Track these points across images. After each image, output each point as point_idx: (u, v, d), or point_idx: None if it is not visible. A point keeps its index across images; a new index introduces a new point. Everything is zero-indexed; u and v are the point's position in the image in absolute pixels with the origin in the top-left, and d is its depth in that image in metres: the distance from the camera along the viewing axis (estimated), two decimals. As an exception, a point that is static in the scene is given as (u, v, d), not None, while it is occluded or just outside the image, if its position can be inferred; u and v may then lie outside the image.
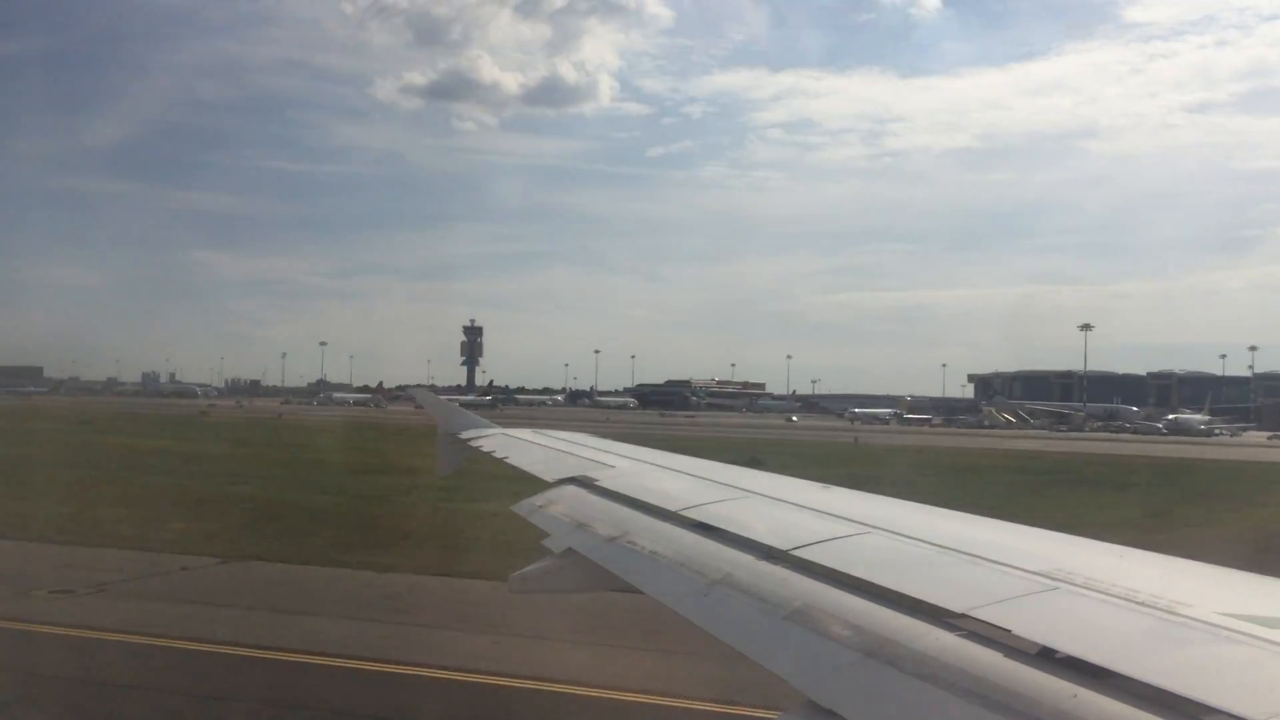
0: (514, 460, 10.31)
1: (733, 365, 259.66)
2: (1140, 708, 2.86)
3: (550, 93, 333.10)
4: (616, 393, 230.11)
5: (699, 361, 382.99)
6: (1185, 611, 3.40)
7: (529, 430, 14.06)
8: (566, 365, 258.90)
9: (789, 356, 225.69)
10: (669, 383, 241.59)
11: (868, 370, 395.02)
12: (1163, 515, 35.44)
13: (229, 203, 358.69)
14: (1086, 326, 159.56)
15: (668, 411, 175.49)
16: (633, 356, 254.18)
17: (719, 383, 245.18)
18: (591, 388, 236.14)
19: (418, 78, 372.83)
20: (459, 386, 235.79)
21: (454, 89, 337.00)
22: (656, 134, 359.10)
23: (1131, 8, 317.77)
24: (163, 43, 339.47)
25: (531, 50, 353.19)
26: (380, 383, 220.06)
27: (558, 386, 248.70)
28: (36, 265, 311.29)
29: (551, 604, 20.17)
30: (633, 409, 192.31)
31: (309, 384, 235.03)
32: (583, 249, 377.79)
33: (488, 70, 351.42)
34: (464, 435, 13.30)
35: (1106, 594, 3.68)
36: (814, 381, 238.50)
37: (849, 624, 3.90)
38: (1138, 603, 3.56)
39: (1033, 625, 3.46)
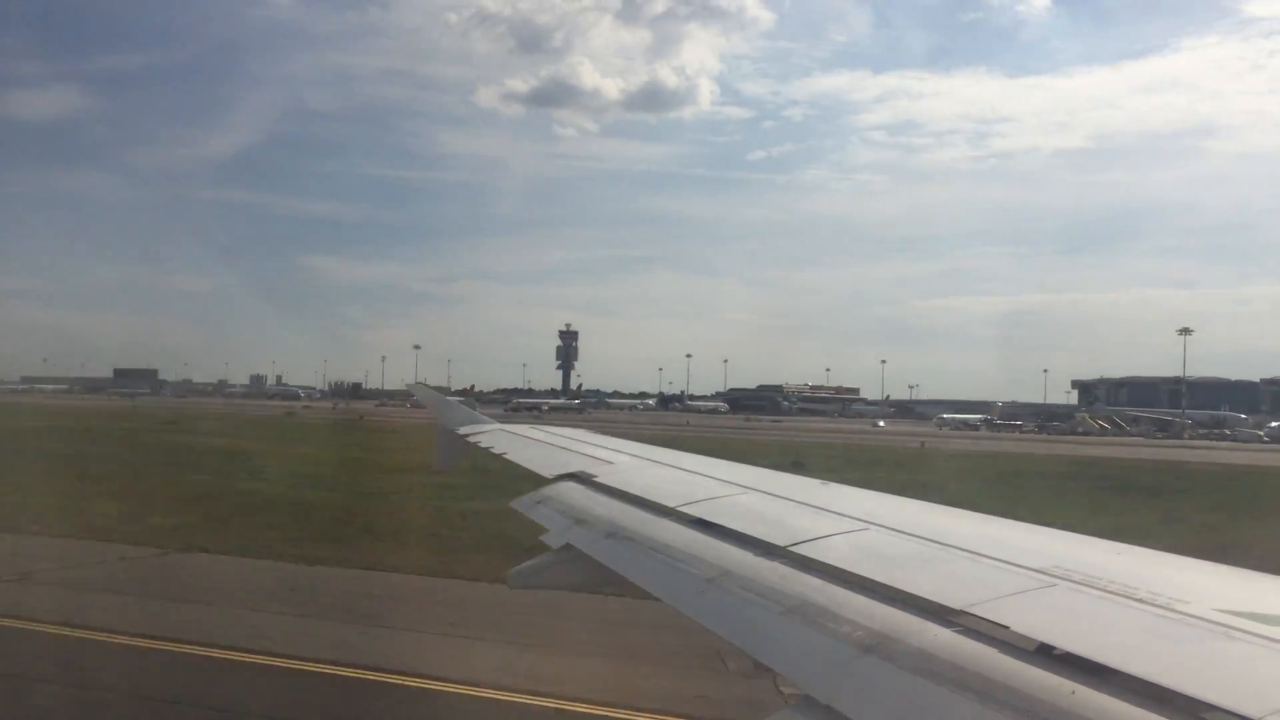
0: (512, 456, 10.23)
1: (827, 370, 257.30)
2: (1138, 704, 2.84)
3: (650, 98, 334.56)
4: (708, 397, 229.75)
5: (794, 366, 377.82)
6: (1183, 608, 3.38)
7: (528, 426, 14.20)
8: (660, 370, 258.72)
9: (883, 361, 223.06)
10: (761, 387, 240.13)
11: (971, 376, 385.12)
12: (1177, 521, 34.05)
13: (337, 210, 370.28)
14: (1185, 331, 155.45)
15: (754, 416, 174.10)
16: (725, 361, 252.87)
17: (812, 388, 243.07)
18: (682, 392, 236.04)
19: (519, 85, 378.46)
20: (552, 390, 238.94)
21: (555, 95, 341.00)
22: (757, 137, 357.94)
23: (1251, 2, 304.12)
24: (275, 56, 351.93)
25: (632, 56, 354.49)
26: (472, 385, 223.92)
27: (654, 391, 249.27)
28: (157, 272, 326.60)
29: (448, 598, 20.44)
30: (723, 414, 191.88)
31: (408, 386, 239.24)
32: (682, 253, 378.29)
33: (588, 76, 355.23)
34: (462, 431, 13.12)
35: (1105, 590, 3.66)
36: (911, 387, 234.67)
37: (846, 620, 3.88)
38: (1136, 599, 3.53)
39: (1031, 622, 3.44)
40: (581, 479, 7.95)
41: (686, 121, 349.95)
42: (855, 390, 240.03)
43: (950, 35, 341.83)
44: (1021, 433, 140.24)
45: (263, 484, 39.98)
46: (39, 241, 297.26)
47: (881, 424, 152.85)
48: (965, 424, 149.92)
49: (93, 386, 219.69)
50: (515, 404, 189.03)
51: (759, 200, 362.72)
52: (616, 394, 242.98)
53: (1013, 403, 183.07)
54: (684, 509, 6.11)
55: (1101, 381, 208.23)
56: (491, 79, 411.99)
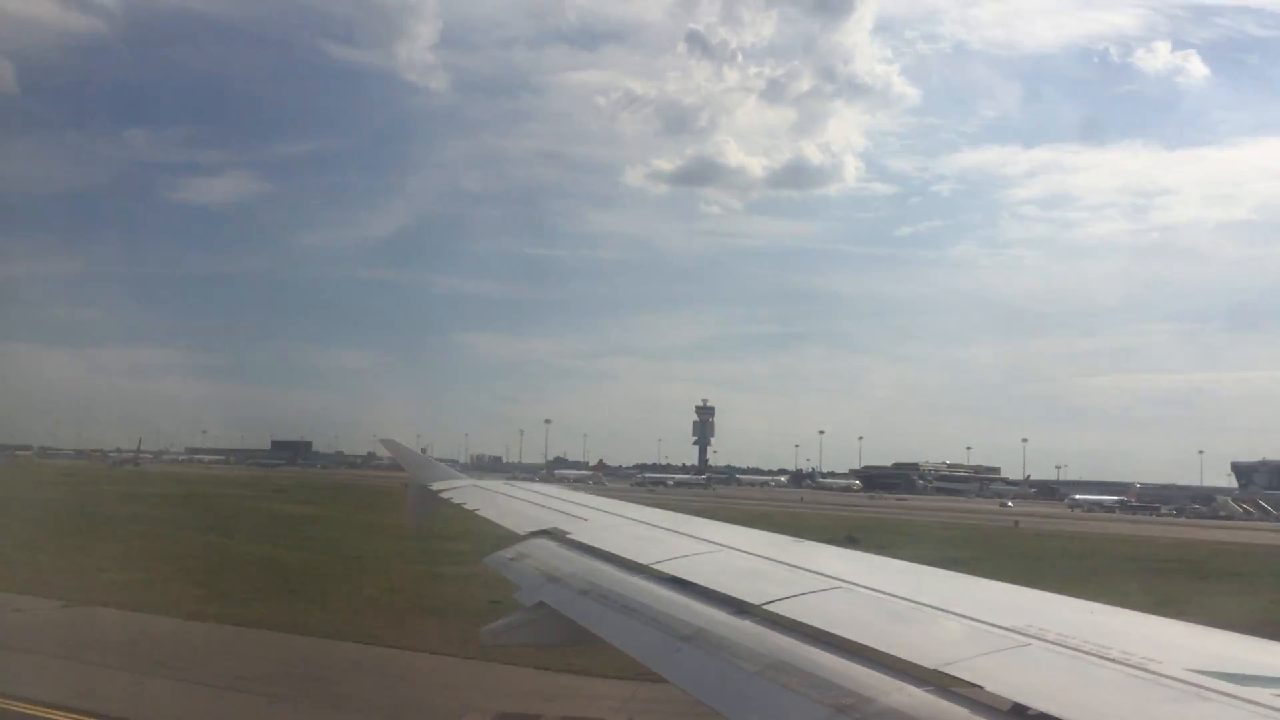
0: (485, 513, 10.31)
1: (968, 449, 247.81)
2: None
3: (795, 175, 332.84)
4: (843, 475, 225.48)
5: (936, 444, 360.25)
6: (1155, 668, 3.46)
7: (501, 482, 14.43)
8: (797, 446, 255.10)
9: (1024, 440, 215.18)
10: (896, 465, 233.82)
11: (1124, 457, 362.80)
12: (1173, 603, 31.70)
13: (489, 287, 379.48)
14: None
15: (879, 494, 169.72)
16: (860, 438, 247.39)
17: (950, 466, 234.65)
18: (813, 469, 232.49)
19: (665, 164, 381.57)
20: (683, 465, 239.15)
21: (700, 174, 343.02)
22: (904, 213, 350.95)
23: None
24: (432, 141, 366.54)
25: (777, 134, 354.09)
26: (601, 460, 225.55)
27: (792, 467, 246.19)
28: (318, 349, 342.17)
29: (266, 653, 20.72)
30: (855, 491, 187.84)
31: (547, 460, 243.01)
32: (826, 330, 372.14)
33: (733, 155, 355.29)
34: (435, 487, 13.06)
35: (1078, 650, 3.73)
36: (1058, 467, 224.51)
37: (820, 680, 3.94)
38: (1108, 659, 3.61)
39: (1005, 682, 3.51)
40: (555, 536, 7.99)
41: (832, 198, 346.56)
42: (995, 469, 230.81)
43: (1104, 108, 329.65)
44: (1159, 516, 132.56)
45: (263, 546, 41.21)
46: (211, 319, 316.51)
47: (1010, 504, 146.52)
48: (1099, 506, 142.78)
49: (246, 457, 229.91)
50: (641, 478, 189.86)
51: (905, 276, 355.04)
52: (755, 470, 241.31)
53: (1160, 485, 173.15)
54: (658, 566, 6.16)
55: (1263, 464, 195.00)
56: (638, 159, 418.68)
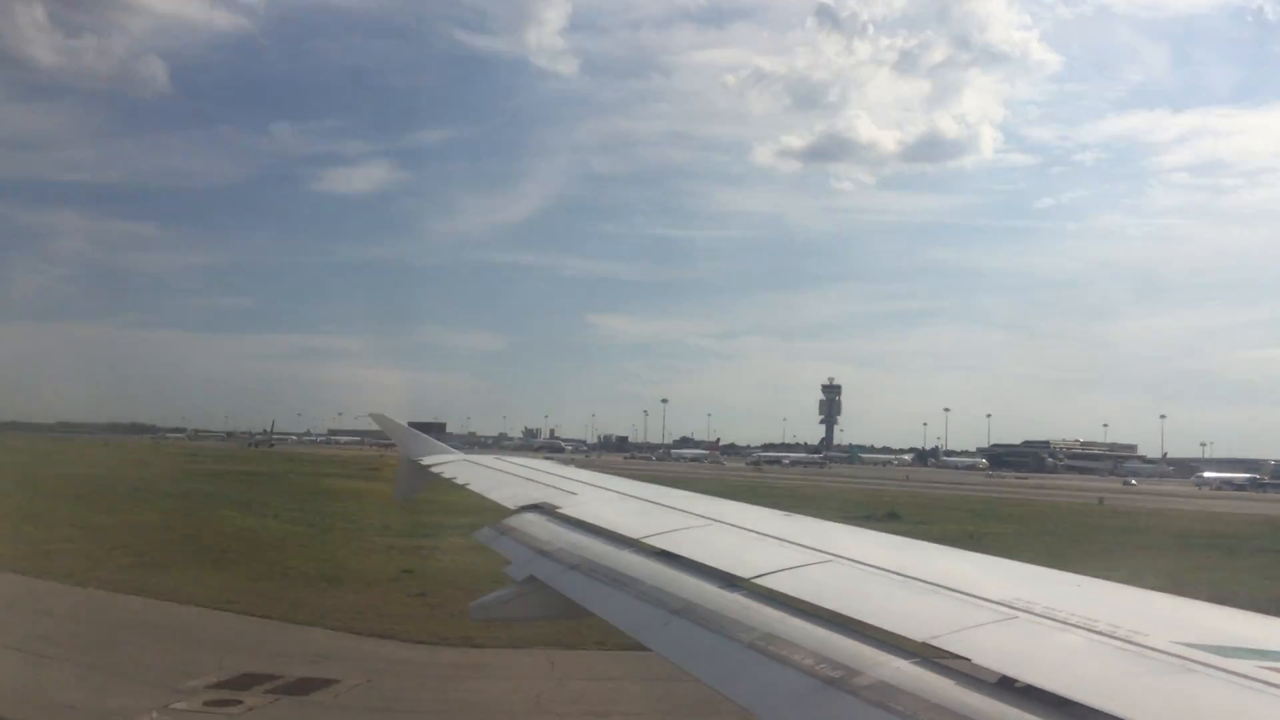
0: (475, 487, 10.43)
1: (1105, 426, 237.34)
2: None
3: (929, 148, 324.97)
4: (970, 453, 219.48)
5: (1072, 422, 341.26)
6: (1143, 641, 3.49)
7: (491, 456, 14.49)
8: (925, 425, 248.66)
9: (1162, 416, 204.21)
10: (1025, 443, 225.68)
11: None
12: (1166, 574, 29.76)
13: (621, 269, 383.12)
14: None
15: (1002, 472, 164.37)
16: (988, 415, 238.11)
17: (1083, 444, 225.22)
18: (935, 447, 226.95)
19: (795, 141, 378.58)
20: (804, 445, 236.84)
21: (831, 150, 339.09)
22: (1044, 184, 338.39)
23: None
24: (563, 125, 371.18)
25: (910, 107, 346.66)
26: (718, 439, 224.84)
27: (922, 446, 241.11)
28: (455, 331, 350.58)
29: (113, 618, 21.21)
30: (980, 470, 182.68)
31: (673, 440, 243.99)
32: (962, 306, 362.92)
33: (865, 129, 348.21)
34: (425, 461, 13.11)
35: (1066, 623, 3.78)
36: (1203, 445, 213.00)
37: (810, 652, 3.97)
38: (1096, 632, 3.64)
39: (993, 654, 3.54)
40: (544, 510, 8.10)
41: (968, 171, 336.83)
42: (1132, 447, 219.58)
43: (1259, 68, 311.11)
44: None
45: (260, 519, 42.53)
46: (352, 305, 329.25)
47: (1134, 482, 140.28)
48: (1229, 484, 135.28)
49: (378, 438, 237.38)
50: (756, 457, 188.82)
51: (1047, 249, 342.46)
52: (886, 449, 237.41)
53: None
54: (648, 540, 6.25)
55: None
56: (768, 137, 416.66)
